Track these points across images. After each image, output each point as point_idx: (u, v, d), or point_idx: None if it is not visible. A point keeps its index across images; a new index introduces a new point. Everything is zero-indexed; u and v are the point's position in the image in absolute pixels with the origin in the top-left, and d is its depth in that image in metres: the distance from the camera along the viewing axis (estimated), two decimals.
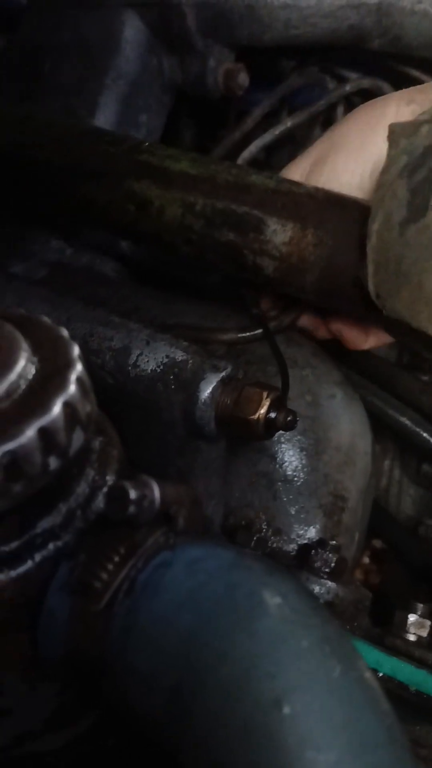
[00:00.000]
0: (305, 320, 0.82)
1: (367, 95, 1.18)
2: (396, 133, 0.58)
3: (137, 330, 0.68)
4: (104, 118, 1.00)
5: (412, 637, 0.65)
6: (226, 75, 1.03)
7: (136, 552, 0.37)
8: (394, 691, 0.58)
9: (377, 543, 1.16)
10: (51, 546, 0.38)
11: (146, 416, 0.67)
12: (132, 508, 0.36)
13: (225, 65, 1.03)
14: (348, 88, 1.12)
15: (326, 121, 1.23)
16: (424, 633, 0.65)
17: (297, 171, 0.75)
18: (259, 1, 0.94)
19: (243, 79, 1.03)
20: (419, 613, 0.67)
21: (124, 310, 0.77)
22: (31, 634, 0.38)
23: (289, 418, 0.64)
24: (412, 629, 0.65)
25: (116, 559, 0.36)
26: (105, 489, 0.39)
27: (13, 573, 0.36)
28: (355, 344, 0.79)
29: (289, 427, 0.65)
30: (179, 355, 0.66)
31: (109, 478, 0.40)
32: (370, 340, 0.78)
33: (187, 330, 0.75)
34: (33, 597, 0.38)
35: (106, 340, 0.67)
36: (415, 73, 1.13)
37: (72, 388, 0.38)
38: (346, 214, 0.66)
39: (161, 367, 0.66)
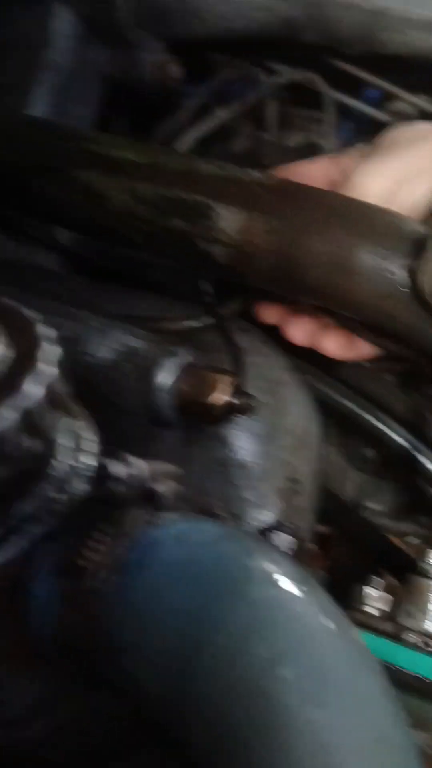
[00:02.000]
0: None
1: (298, 88, 1.21)
2: None
3: (89, 318, 0.67)
4: (37, 109, 0.99)
5: (371, 610, 0.67)
6: (159, 67, 1.03)
7: (122, 530, 0.37)
8: None
9: (321, 528, 1.18)
10: (33, 529, 0.37)
11: (104, 405, 0.66)
12: (116, 486, 0.36)
13: (158, 58, 1.03)
14: (280, 80, 1.14)
15: (257, 115, 1.25)
16: (384, 606, 0.67)
17: (378, 181, 0.69)
18: None
19: (176, 72, 1.04)
20: (377, 586, 0.69)
21: (75, 303, 0.76)
22: (17, 619, 0.37)
23: (247, 401, 0.64)
24: (370, 602, 0.67)
25: (103, 538, 0.36)
26: (85, 470, 0.39)
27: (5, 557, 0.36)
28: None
29: (247, 410, 0.66)
30: (134, 342, 0.65)
31: (89, 459, 0.40)
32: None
33: (139, 320, 0.75)
34: (18, 582, 0.37)
35: (58, 329, 0.66)
36: (348, 67, 1.15)
37: (49, 369, 0.37)
38: (297, 201, 0.67)
39: (117, 356, 0.65)
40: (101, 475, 0.36)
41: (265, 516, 0.79)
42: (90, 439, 0.42)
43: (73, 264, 0.99)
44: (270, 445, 0.79)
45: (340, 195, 0.68)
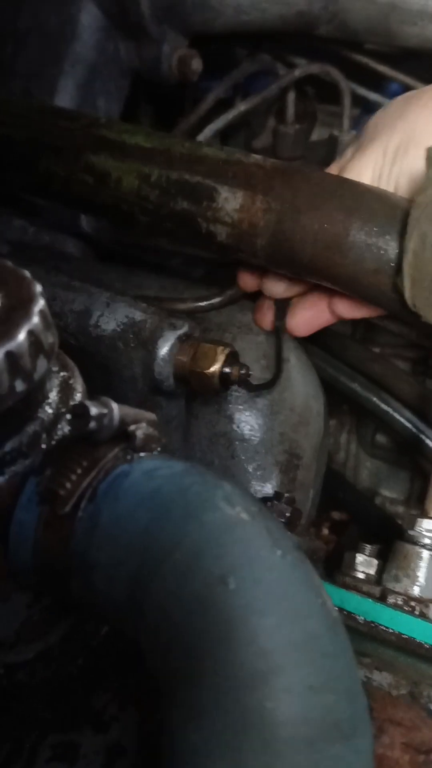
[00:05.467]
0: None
1: (316, 81, 1.24)
2: None
3: (98, 293, 0.72)
4: (63, 101, 1.03)
5: (360, 575, 0.69)
6: (180, 61, 1.07)
7: (97, 464, 0.40)
8: (344, 622, 0.63)
9: (336, 515, 1.21)
10: (19, 463, 0.41)
11: (108, 374, 0.70)
12: (93, 424, 0.40)
13: (179, 51, 1.07)
14: (297, 73, 1.16)
15: (279, 108, 1.28)
16: (372, 571, 0.70)
17: (369, 165, 0.72)
18: None
19: (197, 64, 1.08)
20: (367, 553, 0.71)
21: (87, 281, 0.80)
22: (2, 546, 0.41)
23: (242, 372, 0.68)
24: (360, 568, 0.70)
25: (79, 470, 0.40)
26: (70, 412, 0.43)
27: None
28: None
29: (242, 381, 0.69)
30: (138, 315, 0.69)
31: (74, 401, 0.44)
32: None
33: (149, 300, 0.79)
34: (2, 511, 0.41)
35: (68, 303, 0.71)
36: (364, 60, 1.18)
37: (35, 319, 0.41)
38: (292, 181, 0.70)
39: (121, 327, 0.69)
40: (81, 413, 0.40)
41: (266, 488, 0.82)
42: (76, 386, 0.46)
43: (97, 251, 1.04)
44: (271, 420, 0.82)
45: (334, 176, 0.71)
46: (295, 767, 0.32)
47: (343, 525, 1.20)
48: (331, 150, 1.20)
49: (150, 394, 0.70)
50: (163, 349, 0.67)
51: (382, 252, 0.65)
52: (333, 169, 0.77)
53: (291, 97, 1.20)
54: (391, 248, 0.65)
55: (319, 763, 0.32)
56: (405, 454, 1.12)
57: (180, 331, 0.68)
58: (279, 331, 0.81)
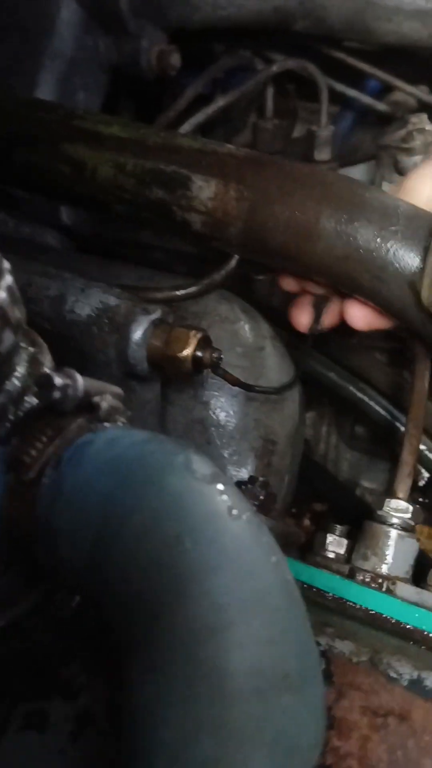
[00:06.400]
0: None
1: (296, 78, 1.25)
2: None
3: (72, 279, 0.73)
4: (42, 95, 1.04)
5: (331, 555, 0.71)
6: (159, 56, 1.08)
7: (61, 433, 0.42)
8: (313, 598, 0.64)
9: (318, 506, 1.22)
10: None
11: (82, 359, 0.71)
12: (57, 394, 0.41)
13: (158, 46, 1.08)
14: (275, 68, 1.18)
15: (259, 105, 1.29)
16: (342, 550, 0.71)
17: (427, 182, 0.72)
18: None
19: (175, 59, 1.09)
20: (337, 533, 0.73)
21: (63, 269, 0.81)
22: None
23: (214, 355, 0.69)
24: (330, 547, 0.71)
25: (44, 438, 0.41)
26: (36, 383, 0.44)
27: None
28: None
29: (214, 365, 0.70)
30: (112, 301, 0.71)
31: (40, 373, 0.45)
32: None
33: (126, 288, 0.80)
34: None
35: (43, 289, 0.72)
36: (342, 56, 1.19)
37: (2, 294, 0.42)
38: (264, 171, 0.72)
39: (95, 312, 0.71)
40: (45, 383, 0.41)
41: (241, 472, 0.83)
42: (44, 362, 0.47)
43: (77, 244, 1.05)
44: (246, 406, 0.83)
45: (305, 165, 0.73)
46: (246, 716, 0.33)
47: (324, 516, 1.21)
48: (309, 146, 1.21)
49: (124, 378, 0.71)
50: (137, 333, 0.68)
51: (351, 239, 0.67)
52: (393, 189, 0.77)
53: (270, 92, 1.22)
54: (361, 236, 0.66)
55: (268, 713, 0.33)
56: (383, 444, 1.14)
57: (153, 316, 0.69)
58: (310, 337, 0.80)
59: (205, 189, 0.73)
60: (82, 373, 0.70)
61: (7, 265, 0.44)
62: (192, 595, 0.35)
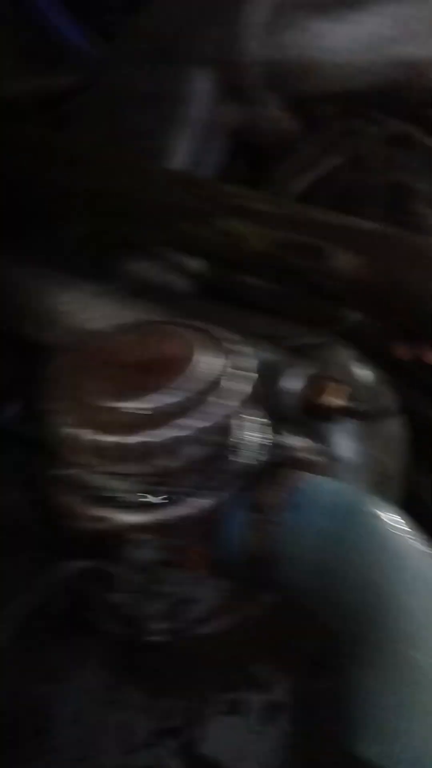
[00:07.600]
0: None
1: (397, 140, 1.36)
2: None
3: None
4: (176, 158, 1.19)
5: None
6: (278, 122, 1.22)
7: (287, 481, 0.55)
8: None
9: None
10: (231, 485, 0.56)
11: None
12: (281, 454, 0.54)
13: (278, 113, 1.21)
14: (377, 132, 1.30)
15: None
16: None
17: None
18: (318, 60, 1.12)
19: (293, 125, 1.22)
20: None
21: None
22: (206, 543, 0.56)
23: (356, 408, 0.82)
24: None
25: (278, 487, 0.54)
26: (265, 445, 0.57)
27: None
28: None
29: (358, 414, 0.83)
30: (269, 357, 0.84)
31: (267, 437, 0.58)
32: None
33: (263, 339, 0.93)
34: (211, 521, 0.55)
35: None
36: None
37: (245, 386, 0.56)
38: (396, 248, 0.84)
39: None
40: (274, 446, 0.54)
41: None
42: (265, 423, 0.60)
43: (202, 288, 1.18)
44: (365, 445, 0.95)
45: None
46: None
47: None
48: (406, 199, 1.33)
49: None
50: (291, 385, 0.81)
51: None
52: None
53: (374, 151, 1.33)
54: None
55: None
56: None
57: (304, 370, 0.82)
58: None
59: (342, 261, 0.86)
60: None
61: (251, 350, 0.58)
62: (397, 611, 0.48)
